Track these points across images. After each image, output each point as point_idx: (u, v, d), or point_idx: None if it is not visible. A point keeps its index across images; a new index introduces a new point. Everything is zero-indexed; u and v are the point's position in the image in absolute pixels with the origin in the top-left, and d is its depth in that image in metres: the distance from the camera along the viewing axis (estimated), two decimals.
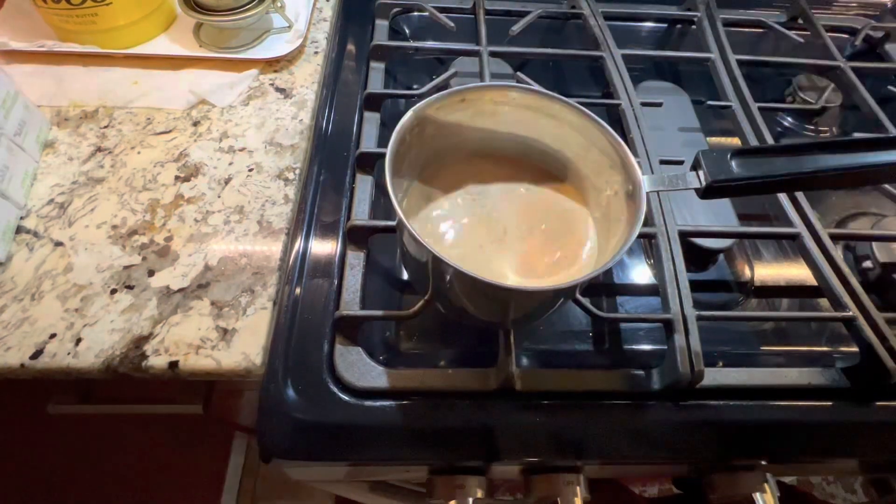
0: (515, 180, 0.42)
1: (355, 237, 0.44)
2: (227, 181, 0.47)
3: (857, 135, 0.57)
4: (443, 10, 0.62)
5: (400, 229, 0.35)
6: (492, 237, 0.39)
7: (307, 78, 0.55)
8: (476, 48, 0.57)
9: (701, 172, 0.34)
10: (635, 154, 0.48)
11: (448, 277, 0.33)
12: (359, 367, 0.39)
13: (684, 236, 0.45)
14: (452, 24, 0.61)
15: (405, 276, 0.49)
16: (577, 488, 0.37)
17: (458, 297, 0.36)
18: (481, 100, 0.39)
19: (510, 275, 0.37)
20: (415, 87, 0.61)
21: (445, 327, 0.45)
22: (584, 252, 0.39)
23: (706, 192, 0.34)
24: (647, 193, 0.34)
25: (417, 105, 0.36)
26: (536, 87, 0.43)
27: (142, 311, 0.39)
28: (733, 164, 0.34)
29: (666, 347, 0.40)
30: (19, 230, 0.42)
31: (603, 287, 0.48)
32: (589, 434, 0.38)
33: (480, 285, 0.31)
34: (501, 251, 0.38)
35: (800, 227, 0.46)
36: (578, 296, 0.40)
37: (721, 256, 0.50)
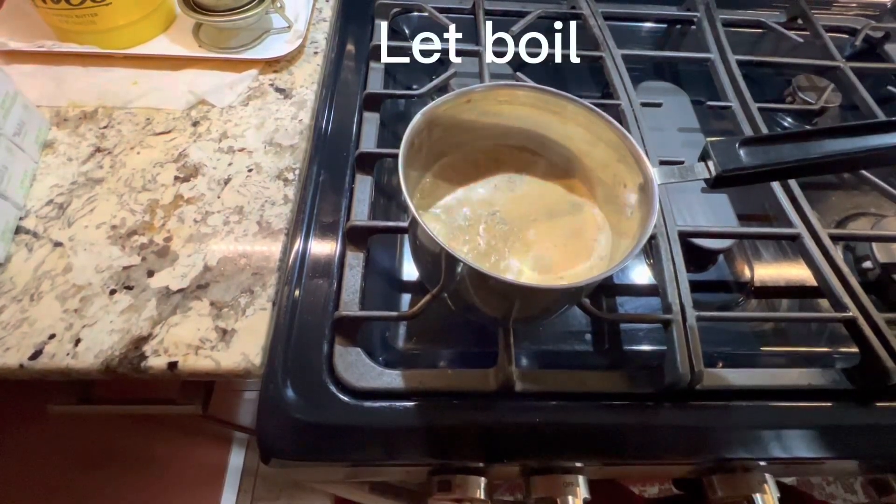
0: (524, 176, 0.42)
1: (355, 237, 0.44)
2: (226, 181, 0.47)
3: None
4: (443, 10, 0.62)
5: (413, 226, 0.35)
6: (502, 233, 0.39)
7: (307, 78, 0.55)
8: (476, 48, 0.57)
9: (710, 163, 0.34)
10: None
11: (460, 272, 0.33)
12: (358, 368, 0.39)
13: (684, 237, 0.45)
14: (453, 25, 0.61)
15: (405, 276, 0.49)
16: (577, 488, 0.37)
17: (469, 293, 0.36)
18: (486, 99, 0.39)
19: (525, 271, 0.37)
20: (414, 87, 0.61)
21: (445, 328, 0.45)
22: (596, 247, 0.39)
23: (716, 182, 0.34)
24: (658, 186, 0.34)
25: (425, 108, 0.36)
26: (540, 85, 0.43)
27: (141, 311, 0.39)
28: (741, 152, 0.34)
29: (666, 348, 0.40)
30: (18, 230, 0.42)
31: (603, 287, 0.48)
32: (589, 434, 0.38)
33: (493, 282, 0.32)
34: (512, 247, 0.38)
35: (800, 228, 0.46)
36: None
37: (721, 257, 0.50)
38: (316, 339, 0.40)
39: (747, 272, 0.50)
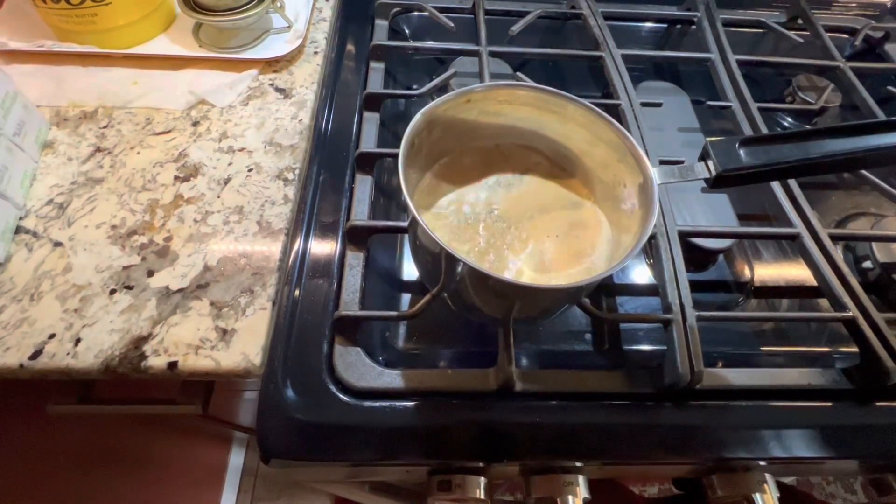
0: (524, 175, 0.42)
1: (355, 237, 0.44)
2: (226, 181, 0.47)
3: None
4: (442, 10, 0.62)
5: (413, 225, 0.35)
6: (502, 232, 0.39)
7: (307, 78, 0.55)
8: (476, 48, 0.57)
9: (710, 162, 0.34)
10: None
11: (460, 272, 0.33)
12: (358, 368, 0.39)
13: (684, 236, 0.45)
14: (452, 24, 0.61)
15: (405, 276, 0.49)
16: (577, 488, 0.37)
17: (469, 293, 0.36)
18: (486, 99, 0.39)
19: (525, 270, 0.37)
20: (415, 87, 0.61)
21: (445, 328, 0.45)
22: (596, 247, 0.39)
23: (716, 182, 0.34)
24: (658, 186, 0.34)
25: (425, 108, 0.36)
26: (540, 85, 0.43)
27: (141, 311, 0.39)
28: (741, 152, 0.34)
29: (666, 348, 0.40)
30: (18, 230, 0.42)
31: (603, 287, 0.48)
32: (589, 434, 0.38)
33: (493, 282, 0.32)
34: (512, 247, 0.38)
35: (800, 228, 0.46)
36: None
37: (721, 256, 0.50)
38: (316, 339, 0.40)
39: (747, 272, 0.50)
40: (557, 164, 0.43)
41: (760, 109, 0.55)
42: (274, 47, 0.55)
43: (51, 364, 0.37)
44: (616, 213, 0.39)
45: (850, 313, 0.42)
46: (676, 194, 0.48)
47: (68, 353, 0.37)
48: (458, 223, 0.39)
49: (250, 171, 0.48)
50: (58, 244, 0.42)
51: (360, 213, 0.46)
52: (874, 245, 0.49)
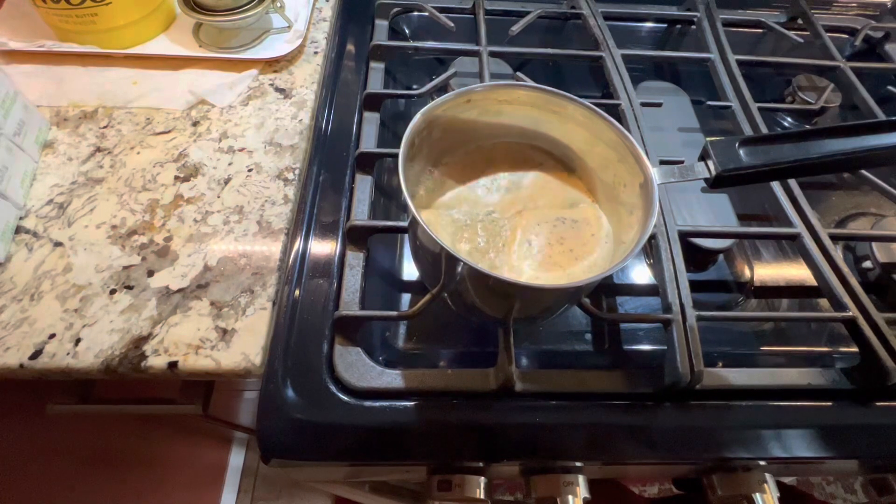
0: (524, 175, 0.42)
1: (355, 237, 0.44)
2: (226, 181, 0.47)
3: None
4: (443, 10, 0.62)
5: (413, 225, 0.35)
6: (502, 232, 0.39)
7: (307, 78, 0.55)
8: (476, 48, 0.57)
9: (710, 162, 0.34)
10: None
11: (460, 272, 0.33)
12: (358, 368, 0.39)
13: (684, 236, 0.45)
14: (452, 24, 0.61)
15: (405, 276, 0.49)
16: (577, 488, 0.37)
17: (469, 293, 0.36)
18: (486, 99, 0.39)
19: (525, 270, 0.37)
20: (415, 87, 0.61)
21: (445, 327, 0.45)
22: (596, 246, 0.39)
23: (716, 182, 0.34)
24: (658, 185, 0.34)
25: (425, 108, 0.36)
26: (540, 85, 0.43)
27: (141, 311, 0.39)
28: (741, 152, 0.34)
29: (666, 348, 0.40)
30: (19, 230, 0.42)
31: (603, 287, 0.48)
32: (589, 434, 0.38)
33: (493, 282, 0.32)
34: (511, 247, 0.38)
35: (799, 228, 0.46)
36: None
37: (721, 256, 0.50)
38: (316, 339, 0.40)
39: (747, 272, 0.50)
40: (558, 165, 0.43)
41: (760, 109, 0.55)
42: (274, 47, 0.55)
43: (51, 364, 0.37)
44: (616, 213, 0.39)
45: (850, 313, 0.42)
46: (676, 194, 0.48)
47: (68, 353, 0.37)
48: (459, 223, 0.39)
49: (250, 171, 0.48)
50: (58, 244, 0.42)
51: (360, 213, 0.46)
52: (874, 245, 0.49)
